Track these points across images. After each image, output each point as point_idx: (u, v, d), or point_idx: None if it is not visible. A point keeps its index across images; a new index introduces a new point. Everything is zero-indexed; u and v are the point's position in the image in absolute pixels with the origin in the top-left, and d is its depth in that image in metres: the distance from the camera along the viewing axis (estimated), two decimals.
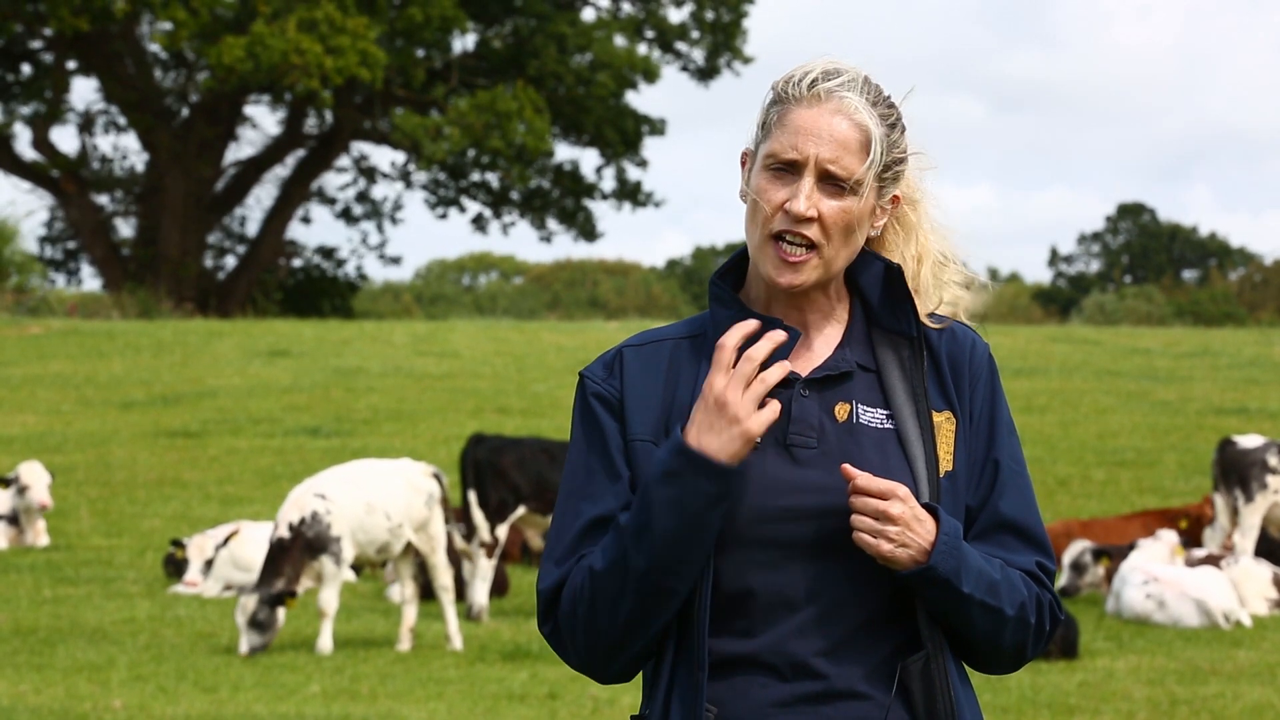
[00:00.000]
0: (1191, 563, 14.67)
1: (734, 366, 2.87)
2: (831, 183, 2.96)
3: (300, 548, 12.71)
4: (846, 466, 2.90)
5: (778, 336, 2.90)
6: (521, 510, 14.37)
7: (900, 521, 2.86)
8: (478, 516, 14.26)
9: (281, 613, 12.62)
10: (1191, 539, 15.84)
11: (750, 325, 2.91)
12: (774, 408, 2.88)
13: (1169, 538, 14.74)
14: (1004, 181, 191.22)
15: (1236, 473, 15.25)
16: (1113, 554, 15.00)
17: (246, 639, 12.50)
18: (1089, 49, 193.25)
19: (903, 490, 2.88)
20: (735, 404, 2.85)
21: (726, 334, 2.90)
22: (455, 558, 14.32)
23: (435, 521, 13.38)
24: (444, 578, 13.28)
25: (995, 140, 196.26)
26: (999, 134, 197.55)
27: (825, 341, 3.06)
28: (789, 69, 3.04)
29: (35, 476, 17.88)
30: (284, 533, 12.74)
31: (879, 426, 2.99)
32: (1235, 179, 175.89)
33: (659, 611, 2.92)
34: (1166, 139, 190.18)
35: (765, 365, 2.90)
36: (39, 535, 18.13)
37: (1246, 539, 15.15)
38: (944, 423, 3.01)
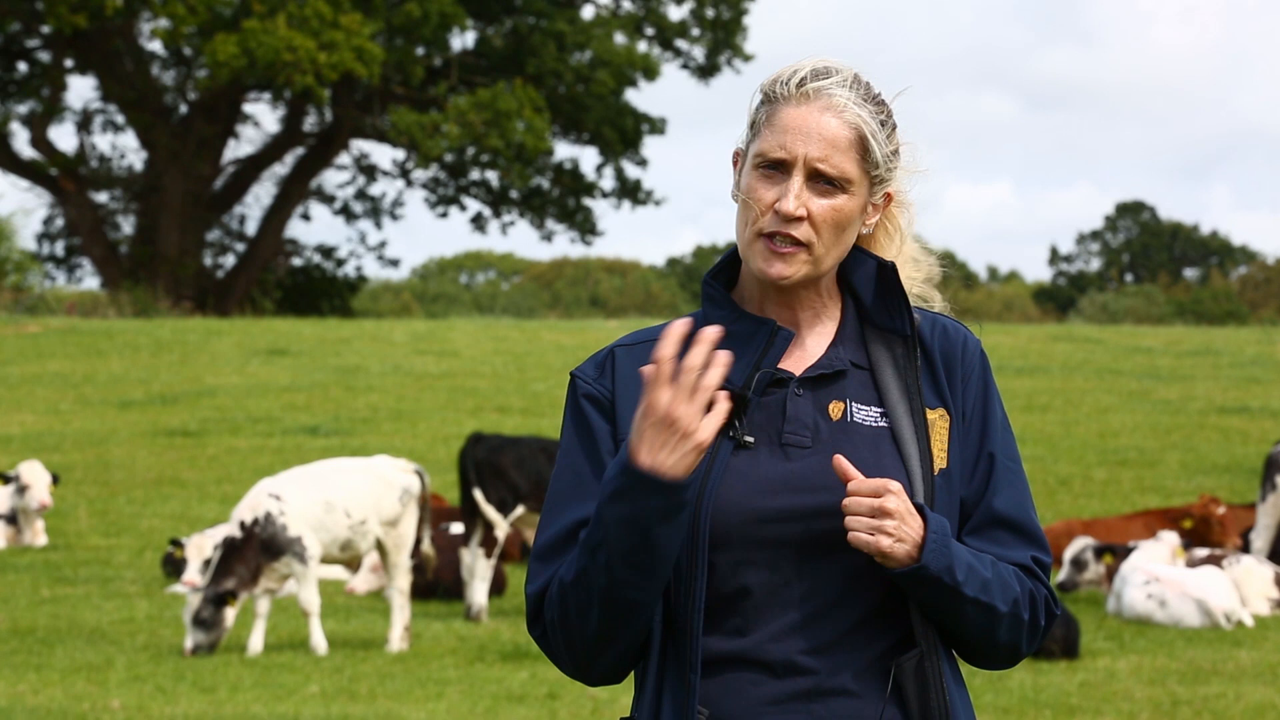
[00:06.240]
0: (1192, 563, 14.63)
1: (674, 378, 2.79)
2: (821, 181, 2.95)
3: (255, 549, 12.54)
4: (839, 459, 2.88)
5: (711, 335, 2.82)
6: (520, 509, 14.33)
7: (896, 515, 2.84)
8: (489, 511, 14.12)
9: (229, 613, 12.46)
10: (1196, 539, 15.78)
11: (680, 327, 2.82)
12: (721, 410, 2.82)
13: (1170, 538, 14.70)
14: (1026, 179, 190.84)
15: (1268, 473, 15.31)
16: (1117, 551, 14.96)
17: (191, 637, 12.42)
18: (1127, 49, 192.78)
19: (895, 485, 2.86)
20: (684, 418, 2.78)
21: (660, 344, 2.80)
22: (423, 562, 14.18)
23: (406, 520, 13.24)
24: (401, 580, 13.07)
25: (1022, 138, 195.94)
26: (1027, 132, 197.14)
27: (819, 340, 3.04)
28: (777, 69, 3.02)
29: (35, 476, 17.85)
30: (235, 531, 12.58)
31: (873, 425, 2.98)
32: (1260, 177, 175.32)
33: (628, 622, 2.91)
34: (1196, 138, 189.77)
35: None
36: (37, 535, 18.10)
37: (1260, 538, 15.16)
38: (938, 420, 3.01)
